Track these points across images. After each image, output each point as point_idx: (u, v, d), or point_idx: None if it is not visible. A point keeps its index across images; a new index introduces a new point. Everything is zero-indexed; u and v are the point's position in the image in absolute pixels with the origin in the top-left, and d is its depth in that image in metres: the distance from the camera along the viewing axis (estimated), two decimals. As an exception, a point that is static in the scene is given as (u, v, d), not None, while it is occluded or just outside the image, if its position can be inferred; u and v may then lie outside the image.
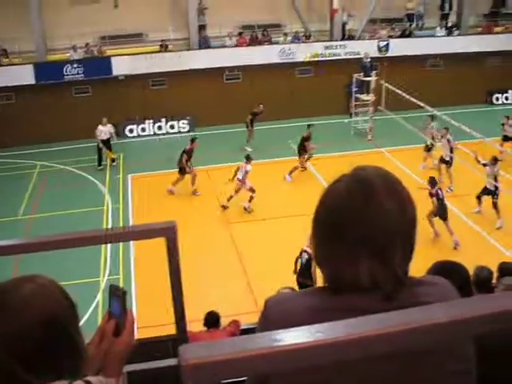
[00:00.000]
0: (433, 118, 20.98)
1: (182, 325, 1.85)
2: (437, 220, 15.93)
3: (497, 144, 20.50)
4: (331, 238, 1.57)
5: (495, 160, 16.95)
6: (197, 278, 13.54)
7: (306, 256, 12.63)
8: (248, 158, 18.18)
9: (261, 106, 22.99)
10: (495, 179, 16.91)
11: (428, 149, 21.03)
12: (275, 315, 1.59)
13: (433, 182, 15.98)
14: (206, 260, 15.26)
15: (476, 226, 16.96)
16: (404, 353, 1.25)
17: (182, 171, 19.38)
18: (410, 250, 1.59)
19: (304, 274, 12.64)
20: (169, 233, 1.61)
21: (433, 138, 20.70)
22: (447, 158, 19.63)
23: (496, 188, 16.86)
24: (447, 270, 3.66)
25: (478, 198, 17.35)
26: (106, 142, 21.93)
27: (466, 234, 16.24)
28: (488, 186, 17.04)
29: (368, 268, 1.51)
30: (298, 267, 12.80)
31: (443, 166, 19.84)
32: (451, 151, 19.55)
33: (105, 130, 21.76)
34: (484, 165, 17.23)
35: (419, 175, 19.70)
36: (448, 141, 19.64)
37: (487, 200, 17.18)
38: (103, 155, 21.95)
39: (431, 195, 15.70)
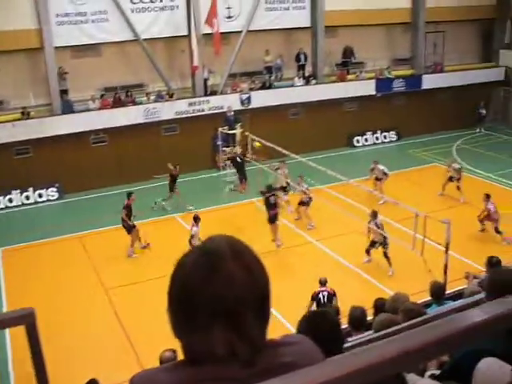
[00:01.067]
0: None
1: None
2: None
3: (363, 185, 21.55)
4: (183, 310, 1.58)
5: (375, 214, 17.67)
6: (75, 349, 13.21)
7: (325, 293, 13.70)
8: (196, 219, 18.11)
9: (177, 166, 22.87)
10: (381, 228, 17.62)
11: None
12: None
13: None
14: (86, 330, 14.93)
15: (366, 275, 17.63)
16: None
17: (128, 229, 19.24)
18: (265, 316, 1.62)
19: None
20: (27, 320, 1.60)
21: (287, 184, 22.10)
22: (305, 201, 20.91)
23: (385, 238, 17.53)
24: (316, 320, 3.87)
25: (367, 251, 17.91)
26: None
27: (358, 283, 16.86)
28: (375, 239, 17.78)
29: (222, 337, 1.53)
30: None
31: (302, 208, 21.03)
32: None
33: None
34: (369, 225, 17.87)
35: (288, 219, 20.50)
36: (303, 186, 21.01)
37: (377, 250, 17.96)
38: None
39: None
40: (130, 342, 14.41)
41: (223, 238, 1.66)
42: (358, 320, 8.27)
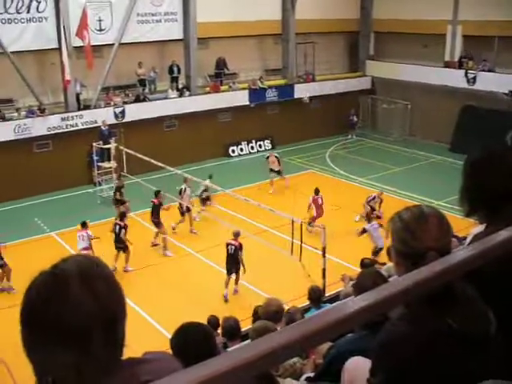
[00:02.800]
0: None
1: None
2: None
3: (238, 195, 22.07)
4: (30, 334, 1.57)
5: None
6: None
7: (232, 247, 15.90)
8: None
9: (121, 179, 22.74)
10: None
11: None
12: None
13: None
14: None
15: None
16: None
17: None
18: (116, 336, 1.61)
19: (231, 262, 16.11)
20: None
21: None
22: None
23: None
24: (187, 331, 4.05)
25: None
26: None
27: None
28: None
29: (69, 361, 1.52)
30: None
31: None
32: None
33: None
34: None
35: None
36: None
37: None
38: None
39: None
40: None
41: (76, 260, 1.65)
42: (232, 330, 8.51)
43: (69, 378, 1.53)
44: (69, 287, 1.55)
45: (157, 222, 20.15)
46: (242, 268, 16.32)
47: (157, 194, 20.54)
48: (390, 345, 2.25)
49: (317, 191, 21.35)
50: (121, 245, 18.86)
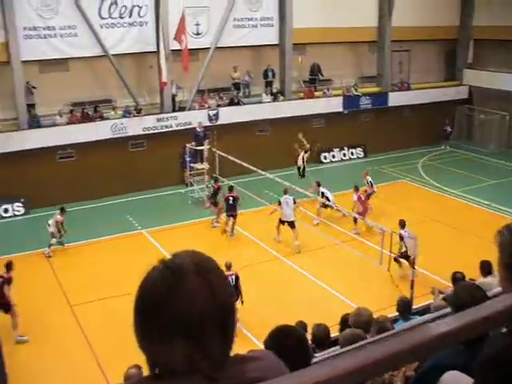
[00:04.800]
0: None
1: None
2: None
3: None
4: (146, 324, 1.61)
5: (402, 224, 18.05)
6: (41, 369, 13.13)
7: (233, 277, 15.17)
8: None
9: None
10: None
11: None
12: None
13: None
14: (52, 347, 14.82)
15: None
16: None
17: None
18: (229, 331, 1.63)
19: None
20: None
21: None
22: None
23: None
24: (282, 335, 3.94)
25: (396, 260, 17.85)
26: None
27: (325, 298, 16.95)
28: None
29: (182, 352, 1.55)
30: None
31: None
32: None
33: None
34: None
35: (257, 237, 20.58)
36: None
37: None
38: None
39: None
40: (96, 359, 14.36)
41: (188, 254, 1.68)
42: (321, 338, 8.34)
43: (180, 370, 1.56)
44: (185, 280, 1.58)
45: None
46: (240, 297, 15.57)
47: (231, 188, 21.64)
48: (498, 360, 2.06)
49: (356, 188, 21.74)
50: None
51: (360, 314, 8.05)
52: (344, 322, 9.30)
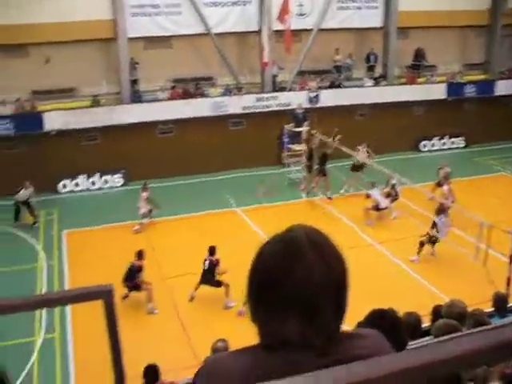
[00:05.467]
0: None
1: None
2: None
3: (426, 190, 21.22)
4: (261, 297, 1.62)
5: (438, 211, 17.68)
6: (132, 335, 13.31)
7: (207, 262, 15.25)
8: None
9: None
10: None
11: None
12: (213, 376, 1.65)
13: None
14: (141, 315, 15.06)
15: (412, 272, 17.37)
16: None
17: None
18: (341, 308, 1.64)
19: (207, 276, 15.28)
20: (106, 296, 1.58)
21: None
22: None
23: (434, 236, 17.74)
24: (377, 316, 3.80)
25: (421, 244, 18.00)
26: (26, 203, 21.25)
27: (414, 288, 16.53)
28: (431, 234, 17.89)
29: (297, 326, 1.56)
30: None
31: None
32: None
33: (25, 194, 21.12)
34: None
35: (352, 221, 20.23)
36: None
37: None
38: (23, 214, 21.39)
39: None
40: (186, 332, 14.48)
41: (302, 229, 1.68)
42: (413, 326, 8.07)
43: (293, 342, 1.56)
44: (302, 254, 1.58)
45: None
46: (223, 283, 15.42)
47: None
48: None
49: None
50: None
51: (454, 305, 7.80)
52: (436, 313, 8.99)
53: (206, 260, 15.43)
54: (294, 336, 1.56)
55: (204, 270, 15.44)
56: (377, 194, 20.80)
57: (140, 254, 15.81)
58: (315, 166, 23.16)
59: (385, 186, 21.32)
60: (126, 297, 15.34)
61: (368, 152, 23.84)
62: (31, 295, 1.80)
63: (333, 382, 1.06)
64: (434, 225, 17.83)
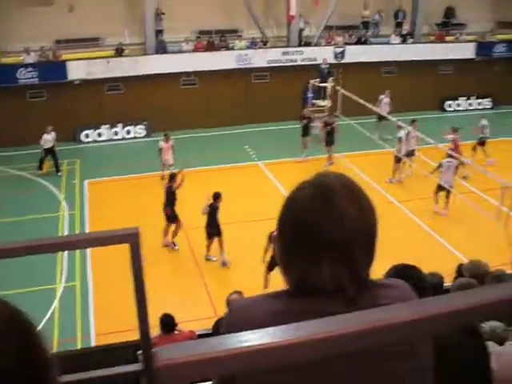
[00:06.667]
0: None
1: (145, 329, 1.84)
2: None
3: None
4: (294, 243, 1.61)
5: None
6: (153, 284, 13.44)
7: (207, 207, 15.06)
8: None
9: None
10: None
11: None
12: (240, 320, 1.61)
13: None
14: (161, 266, 15.19)
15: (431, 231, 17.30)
16: (366, 352, 1.29)
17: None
18: (372, 255, 1.63)
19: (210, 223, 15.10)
20: (132, 239, 1.56)
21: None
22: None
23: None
24: (402, 272, 3.75)
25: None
26: (51, 151, 21.35)
27: (434, 248, 16.44)
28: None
29: (331, 272, 1.55)
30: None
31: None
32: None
33: (49, 139, 21.15)
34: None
35: (374, 179, 20.08)
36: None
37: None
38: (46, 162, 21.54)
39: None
40: (204, 282, 14.61)
41: (333, 175, 1.68)
42: (437, 286, 8.03)
43: (325, 289, 1.56)
44: (336, 200, 1.57)
45: None
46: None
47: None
48: None
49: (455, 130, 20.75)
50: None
51: (475, 265, 7.69)
52: (459, 273, 8.93)
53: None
54: (327, 283, 1.56)
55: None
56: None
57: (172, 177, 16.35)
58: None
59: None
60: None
61: (390, 98, 24.24)
62: (60, 236, 1.76)
63: (357, 325, 1.07)
64: (440, 165, 18.32)
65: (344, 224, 1.55)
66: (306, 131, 22.59)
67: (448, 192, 18.08)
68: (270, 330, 1.05)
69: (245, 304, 1.74)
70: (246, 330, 1.07)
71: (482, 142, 22.47)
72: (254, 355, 1.00)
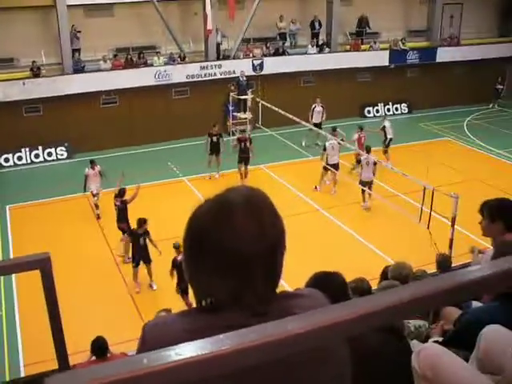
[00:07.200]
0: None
1: (63, 355, 1.87)
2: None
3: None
4: (194, 259, 1.64)
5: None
6: (79, 307, 13.27)
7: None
8: None
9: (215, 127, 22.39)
10: None
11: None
12: (153, 339, 1.59)
13: None
14: (87, 286, 15.01)
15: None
16: (281, 361, 1.24)
17: None
18: (275, 267, 1.64)
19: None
20: (43, 264, 1.53)
21: None
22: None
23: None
24: (322, 280, 3.78)
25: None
26: None
27: (361, 253, 16.78)
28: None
29: (228, 287, 1.58)
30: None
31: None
32: None
33: None
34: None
35: (298, 188, 20.39)
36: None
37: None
38: None
39: None
40: (134, 302, 14.51)
41: (242, 190, 1.68)
42: (366, 293, 8.13)
43: (226, 302, 1.58)
44: (234, 214, 1.58)
45: None
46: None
47: None
48: None
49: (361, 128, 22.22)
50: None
51: (400, 267, 7.83)
52: (385, 274, 9.10)
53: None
54: (228, 297, 1.58)
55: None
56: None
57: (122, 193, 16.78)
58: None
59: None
60: None
61: (322, 107, 24.79)
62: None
63: (263, 337, 1.08)
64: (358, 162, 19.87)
65: (237, 240, 1.55)
66: (214, 149, 22.17)
67: (370, 185, 18.98)
68: (171, 349, 1.04)
69: (156, 323, 1.69)
70: (157, 347, 1.06)
71: (387, 145, 23.08)
72: (143, 378, 0.99)
